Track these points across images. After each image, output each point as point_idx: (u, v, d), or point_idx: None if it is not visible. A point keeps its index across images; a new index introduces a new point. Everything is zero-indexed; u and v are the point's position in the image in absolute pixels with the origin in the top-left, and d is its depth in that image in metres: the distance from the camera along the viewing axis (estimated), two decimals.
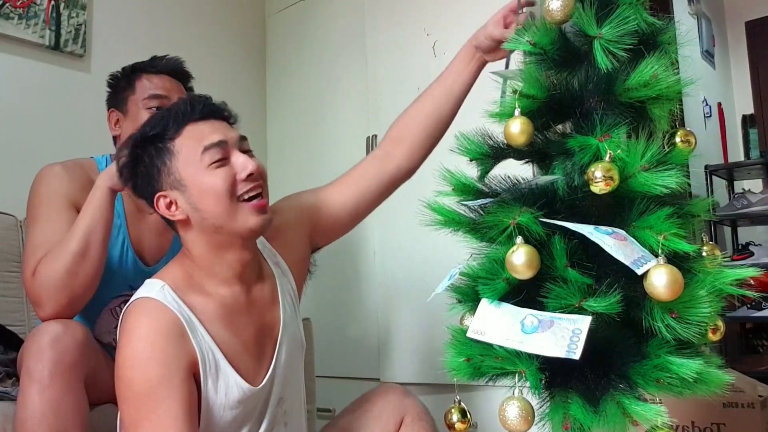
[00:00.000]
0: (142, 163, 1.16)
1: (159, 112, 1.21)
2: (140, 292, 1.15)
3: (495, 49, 1.32)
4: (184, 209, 1.14)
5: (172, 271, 1.19)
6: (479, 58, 1.36)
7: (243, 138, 1.18)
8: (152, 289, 1.13)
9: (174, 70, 1.60)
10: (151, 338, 1.07)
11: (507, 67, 1.21)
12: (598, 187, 0.97)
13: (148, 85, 1.54)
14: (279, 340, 1.25)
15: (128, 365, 1.07)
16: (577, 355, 0.90)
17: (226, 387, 1.15)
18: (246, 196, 1.14)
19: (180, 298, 1.13)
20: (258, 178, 1.15)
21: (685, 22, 3.27)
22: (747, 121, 3.65)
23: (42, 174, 1.46)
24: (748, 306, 3.02)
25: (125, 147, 1.20)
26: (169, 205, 1.15)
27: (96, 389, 1.28)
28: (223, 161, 1.13)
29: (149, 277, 1.20)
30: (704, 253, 1.04)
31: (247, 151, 1.17)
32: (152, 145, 1.14)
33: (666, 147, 1.05)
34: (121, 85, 1.57)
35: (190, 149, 1.12)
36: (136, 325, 1.09)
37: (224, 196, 1.11)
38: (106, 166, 1.55)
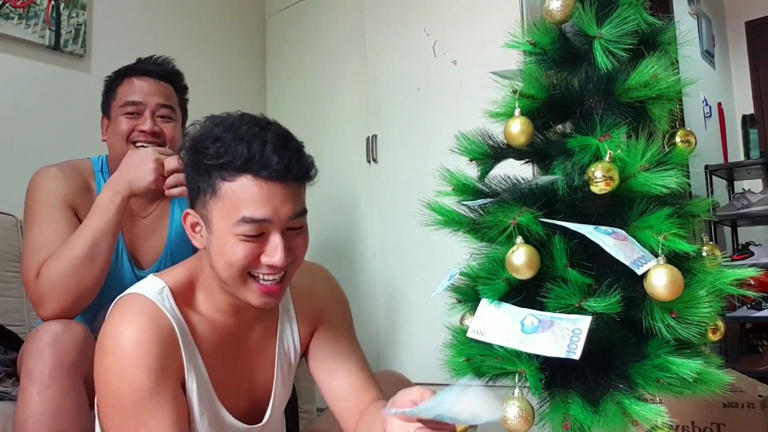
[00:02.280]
0: (191, 171, 1.04)
1: (230, 136, 1.00)
2: (138, 287, 1.06)
3: None
4: (203, 241, 1.04)
5: (178, 273, 1.10)
6: None
7: (298, 215, 1.01)
8: (151, 288, 1.05)
9: (156, 72, 1.55)
10: (143, 345, 0.98)
11: None
12: (598, 187, 0.97)
13: (127, 91, 1.51)
14: (274, 385, 1.19)
15: (116, 371, 0.98)
16: (577, 355, 0.90)
17: (209, 412, 1.08)
18: (258, 276, 1.02)
19: (177, 307, 1.05)
20: (281, 270, 1.02)
21: (685, 22, 3.27)
22: (747, 121, 3.65)
23: (38, 176, 1.46)
24: (748, 306, 3.02)
25: (191, 136, 1.06)
26: (193, 226, 1.06)
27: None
28: (257, 237, 0.99)
29: None
30: (704, 253, 1.04)
31: (294, 228, 1.03)
32: (204, 168, 1.00)
33: (666, 147, 1.05)
34: (107, 91, 1.56)
35: (232, 205, 0.98)
36: (126, 325, 1.00)
37: (237, 269, 1.00)
38: (102, 167, 1.54)
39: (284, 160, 0.97)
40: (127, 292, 1.07)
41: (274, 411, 1.19)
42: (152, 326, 1.00)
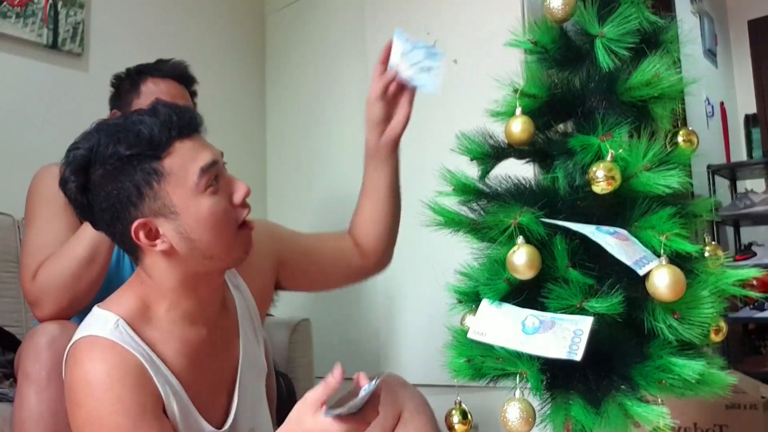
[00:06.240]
0: (114, 184, 0.99)
1: (128, 122, 1.00)
2: (90, 328, 1.01)
3: (388, 117, 1.29)
4: (170, 239, 1.00)
5: (126, 300, 1.05)
6: (385, 148, 1.32)
7: (222, 153, 1.07)
8: (105, 326, 1.00)
9: (180, 74, 1.57)
10: (115, 388, 0.95)
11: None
12: (600, 187, 0.96)
13: (154, 90, 1.51)
14: (239, 371, 1.16)
15: (95, 421, 0.95)
16: (578, 356, 0.90)
17: (191, 428, 1.06)
18: (241, 221, 1.05)
19: (137, 335, 1.02)
20: (247, 199, 1.05)
21: (687, 21, 3.26)
22: (749, 121, 3.65)
23: (39, 175, 1.46)
24: (751, 306, 3.02)
25: (75, 163, 1.01)
26: (149, 234, 1.00)
27: None
28: (218, 184, 1.02)
29: None
30: (706, 254, 1.04)
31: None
32: (130, 164, 0.98)
33: (668, 146, 1.05)
34: (125, 87, 1.56)
35: (183, 170, 0.99)
36: (93, 377, 0.97)
37: (226, 226, 1.02)
38: None
39: (194, 116, 1.04)
40: (81, 334, 1.02)
41: (238, 413, 1.16)
42: (119, 368, 0.97)
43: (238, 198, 1.03)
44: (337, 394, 0.98)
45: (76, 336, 1.02)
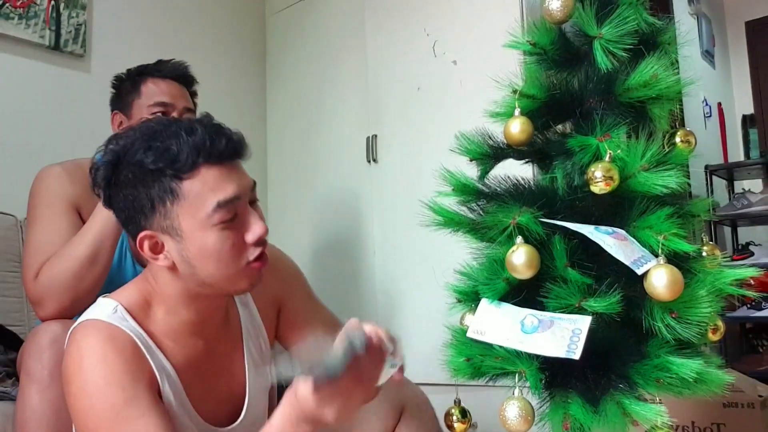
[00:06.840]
0: (132, 190, 0.98)
1: (166, 131, 0.97)
2: (89, 313, 1.02)
3: None
4: (172, 257, 0.99)
5: (129, 293, 1.05)
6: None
7: (255, 185, 1.03)
8: (103, 310, 1.01)
9: (180, 75, 1.58)
10: (108, 362, 0.94)
11: None
12: (598, 187, 0.97)
13: (155, 91, 1.52)
14: (248, 388, 1.15)
15: (86, 393, 0.94)
16: (577, 355, 0.90)
17: (183, 418, 1.04)
18: (249, 258, 1.00)
19: (136, 321, 1.01)
20: (264, 240, 1.01)
21: (684, 22, 3.27)
22: (747, 121, 3.65)
23: (42, 175, 1.46)
24: (748, 306, 3.02)
25: (109, 155, 1.00)
26: (154, 247, 0.99)
27: None
28: (232, 221, 0.97)
29: None
30: (704, 253, 1.04)
31: (253, 202, 1.03)
32: (151, 177, 0.96)
33: (666, 147, 1.05)
34: (125, 88, 1.56)
35: (199, 199, 0.95)
36: (86, 351, 0.96)
37: (230, 262, 0.98)
38: None
39: (231, 141, 0.99)
40: (80, 320, 1.03)
41: (249, 410, 1.15)
42: (113, 342, 0.96)
43: (250, 239, 0.99)
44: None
45: (78, 321, 1.03)
